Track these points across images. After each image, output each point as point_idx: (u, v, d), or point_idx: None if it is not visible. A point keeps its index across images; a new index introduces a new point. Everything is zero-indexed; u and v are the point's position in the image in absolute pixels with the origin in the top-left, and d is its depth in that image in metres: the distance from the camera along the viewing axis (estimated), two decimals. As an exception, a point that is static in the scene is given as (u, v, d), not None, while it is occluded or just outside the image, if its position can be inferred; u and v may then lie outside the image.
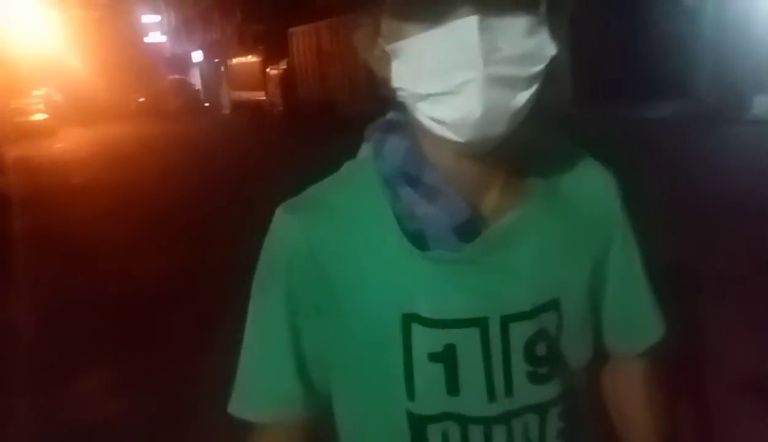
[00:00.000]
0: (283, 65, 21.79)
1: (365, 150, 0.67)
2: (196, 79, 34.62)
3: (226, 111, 27.97)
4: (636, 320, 0.73)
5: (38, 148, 17.23)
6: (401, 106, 0.59)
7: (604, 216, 0.68)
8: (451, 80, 0.51)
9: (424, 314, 0.59)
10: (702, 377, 2.55)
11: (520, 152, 0.61)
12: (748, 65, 10.40)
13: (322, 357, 0.64)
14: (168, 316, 3.87)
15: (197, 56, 34.21)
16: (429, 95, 0.53)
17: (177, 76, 33.34)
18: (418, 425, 0.61)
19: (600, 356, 0.73)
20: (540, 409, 0.63)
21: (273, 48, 22.16)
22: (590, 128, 10.71)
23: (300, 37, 21.18)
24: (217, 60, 30.08)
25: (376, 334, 0.61)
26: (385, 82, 0.57)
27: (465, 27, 0.49)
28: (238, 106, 25.47)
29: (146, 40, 41.80)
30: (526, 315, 0.61)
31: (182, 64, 36.06)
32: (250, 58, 24.18)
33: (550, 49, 0.53)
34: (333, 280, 0.61)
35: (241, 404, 0.65)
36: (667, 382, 0.80)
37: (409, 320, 0.60)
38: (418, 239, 0.59)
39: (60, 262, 5.57)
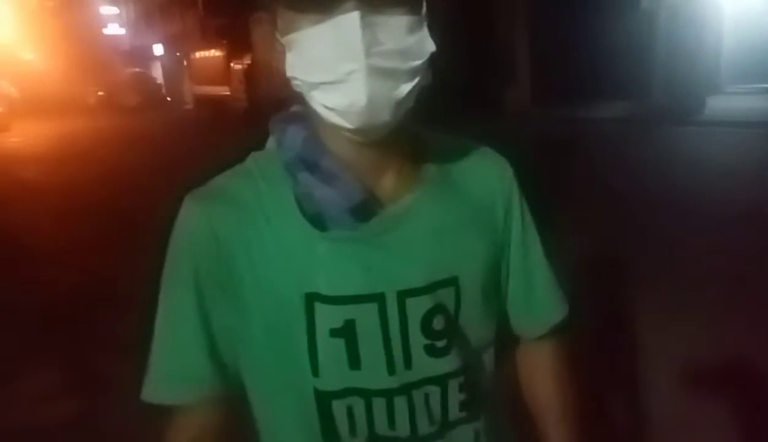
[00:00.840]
0: (247, 60, 21.50)
1: (271, 142, 0.71)
2: (157, 73, 33.84)
3: (189, 106, 27.45)
4: (537, 302, 0.78)
5: (-10, 143, 16.61)
6: (302, 99, 0.64)
7: (499, 203, 0.73)
8: (338, 70, 0.56)
9: (325, 292, 0.63)
10: (635, 363, 2.71)
11: (416, 142, 0.67)
12: (700, 68, 10.78)
13: (231, 338, 0.67)
14: (123, 316, 3.84)
15: (158, 50, 33.43)
16: (319, 84, 0.58)
17: (137, 70, 32.50)
18: (325, 401, 0.65)
19: (511, 337, 0.80)
20: (439, 381, 0.67)
21: (237, 42, 21.82)
22: (546, 127, 11.02)
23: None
24: (179, 54, 29.47)
25: (281, 314, 0.64)
26: (283, 75, 0.62)
27: (348, 21, 0.55)
28: (202, 101, 25.01)
29: (105, 32, 40.60)
30: (421, 291, 0.65)
31: (143, 57, 35.14)
32: (214, 53, 23.80)
33: (430, 46, 0.59)
34: (238, 264, 0.65)
35: (157, 389, 0.67)
36: (579, 362, 0.85)
37: (312, 298, 0.63)
38: (317, 221, 0.64)
39: (13, 259, 5.44)
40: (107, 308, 4.03)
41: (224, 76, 22.70)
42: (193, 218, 0.66)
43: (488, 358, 0.74)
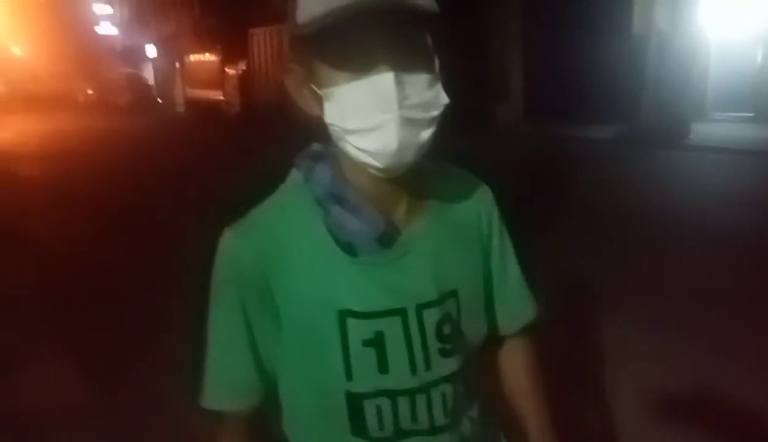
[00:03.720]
0: (242, 66, 21.53)
1: (295, 175, 0.81)
2: (149, 75, 33.70)
3: (180, 109, 27.38)
4: (511, 303, 0.92)
5: (-22, 137, 16.43)
6: (323, 139, 0.76)
7: (483, 221, 0.87)
8: (373, 119, 0.66)
9: (356, 309, 0.73)
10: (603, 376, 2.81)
11: (420, 175, 0.77)
12: (687, 94, 11.07)
13: (272, 352, 0.77)
14: (104, 313, 3.88)
15: (151, 51, 33.31)
16: (356, 130, 0.68)
17: (129, 70, 32.35)
18: (356, 401, 0.75)
19: (494, 336, 0.93)
20: (450, 378, 0.79)
21: (231, 47, 21.84)
22: (537, 144, 11.17)
23: (260, 38, 20.94)
24: (171, 56, 29.40)
25: (317, 328, 0.74)
26: (312, 118, 0.72)
27: (384, 80, 0.65)
28: (194, 104, 25.00)
29: (98, 30, 40.32)
30: (434, 303, 0.77)
31: (135, 58, 34.94)
32: (208, 57, 23.78)
33: (444, 98, 0.70)
34: (278, 287, 0.74)
35: (213, 398, 0.79)
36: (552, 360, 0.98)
37: (344, 315, 0.74)
38: (348, 248, 0.74)
39: (6, 253, 5.42)
40: (98, 300, 4.05)
41: (218, 80, 22.68)
42: (236, 249, 0.75)
43: (477, 355, 0.87)
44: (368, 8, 0.61)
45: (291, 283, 0.74)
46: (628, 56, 12.06)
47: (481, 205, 0.87)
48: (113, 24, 40.27)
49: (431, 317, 0.77)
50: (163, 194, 7.67)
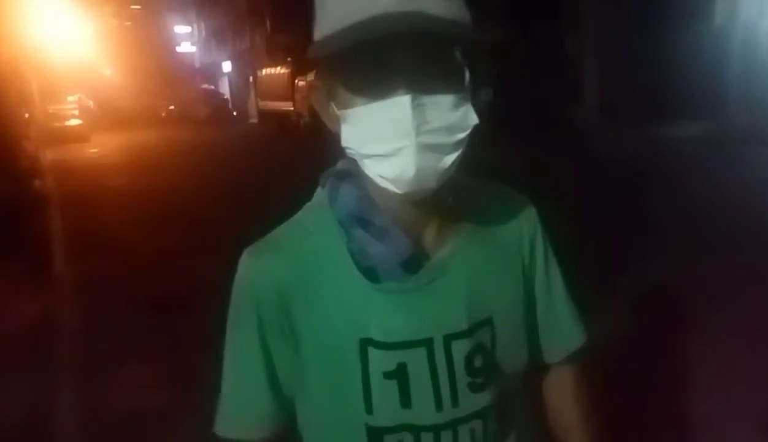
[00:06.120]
0: (311, 77, 22.03)
1: (321, 194, 0.76)
2: (225, 89, 35.28)
3: (254, 120, 28.41)
4: (558, 329, 0.84)
5: (73, 152, 17.70)
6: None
7: (525, 242, 0.79)
8: (390, 145, 0.61)
9: (378, 338, 0.69)
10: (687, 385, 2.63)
11: (452, 194, 0.72)
12: (777, 87, 10.33)
13: (290, 379, 0.73)
14: (191, 320, 4.02)
15: (227, 66, 34.88)
16: (372, 155, 0.63)
17: (206, 86, 34.03)
18: (376, 436, 0.71)
19: (537, 364, 0.84)
20: (481, 414, 0.73)
21: (301, 60, 22.44)
22: (614, 147, 10.73)
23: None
24: (246, 70, 30.62)
25: (336, 358, 0.70)
26: (337, 136, 0.68)
27: (400, 104, 0.60)
28: (266, 115, 25.83)
29: (178, 49, 42.68)
30: (464, 333, 0.71)
31: (212, 73, 36.78)
32: (280, 70, 24.55)
33: (473, 119, 0.64)
34: (296, 312, 0.70)
35: (228, 426, 0.75)
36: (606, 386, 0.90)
37: (366, 344, 0.69)
38: (371, 273, 0.69)
39: (94, 261, 5.78)
40: (189, 307, 4.23)
41: (288, 92, 23.36)
42: (254, 271, 0.72)
43: (518, 385, 0.80)
44: (388, 29, 0.57)
45: (311, 309, 0.70)
46: (710, 49, 11.40)
47: (522, 224, 0.80)
48: (192, 43, 42.54)
49: (461, 348, 0.71)
50: (235, 203, 7.94)
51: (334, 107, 0.66)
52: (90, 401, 3.14)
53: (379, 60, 0.60)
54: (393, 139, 0.61)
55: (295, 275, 0.71)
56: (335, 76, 0.65)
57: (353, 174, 0.72)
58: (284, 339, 0.71)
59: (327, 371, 0.70)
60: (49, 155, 16.05)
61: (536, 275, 0.81)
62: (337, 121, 0.66)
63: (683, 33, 12.21)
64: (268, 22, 26.26)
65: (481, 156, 0.96)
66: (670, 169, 7.99)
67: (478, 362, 0.72)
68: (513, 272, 0.78)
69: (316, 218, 0.74)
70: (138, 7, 44.29)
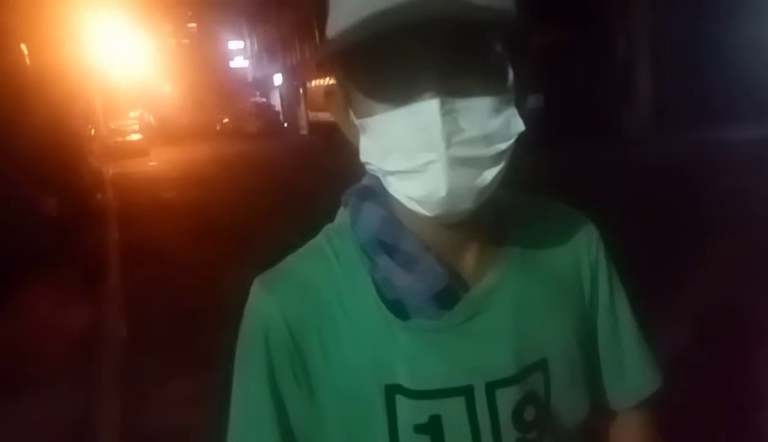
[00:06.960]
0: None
1: (342, 215, 0.66)
2: (276, 101, 36.17)
3: (304, 132, 28.97)
4: (628, 373, 0.71)
5: (133, 166, 18.52)
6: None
7: (585, 271, 0.68)
8: (416, 160, 0.51)
9: (407, 385, 0.58)
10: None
11: (496, 216, 0.62)
12: None
13: (305, 427, 0.62)
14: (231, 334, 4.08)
15: (278, 79, 35.78)
16: (396, 172, 0.53)
17: (258, 99, 35.01)
18: None
19: (599, 410, 0.73)
20: None
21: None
22: (670, 152, 10.27)
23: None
24: (296, 83, 31.32)
25: (358, 406, 0.59)
26: (357, 149, 0.58)
27: (427, 109, 0.50)
28: (315, 127, 26.30)
29: (231, 64, 44.14)
30: (512, 380, 0.60)
31: (264, 86, 37.82)
32: (328, 81, 24.97)
33: (517, 126, 0.53)
34: (312, 353, 0.60)
35: None
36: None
37: (392, 391, 0.58)
38: (398, 308, 0.59)
39: (153, 272, 5.98)
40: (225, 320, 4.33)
41: (337, 103, 23.72)
42: (263, 306, 0.62)
43: (579, 436, 0.68)
44: (412, 19, 0.46)
45: (329, 351, 0.60)
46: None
47: (580, 248, 0.67)
48: (245, 57, 43.90)
49: (507, 398, 0.59)
50: (281, 214, 8.08)
51: (353, 116, 0.57)
52: (135, 413, 3.21)
53: (402, 57, 0.50)
54: (419, 152, 0.51)
55: (311, 311, 0.61)
56: (352, 79, 0.55)
57: (378, 192, 0.62)
58: (297, 383, 0.61)
59: (348, 422, 0.60)
60: (111, 169, 16.86)
61: (599, 308, 0.69)
62: (357, 132, 0.57)
63: (740, 32, 11.66)
64: (316, 34, 26.81)
65: (526, 166, 0.87)
66: (730, 175, 7.59)
67: (529, 414, 0.60)
68: (570, 306, 0.66)
69: (336, 243, 0.64)
70: (194, 25, 46.10)
